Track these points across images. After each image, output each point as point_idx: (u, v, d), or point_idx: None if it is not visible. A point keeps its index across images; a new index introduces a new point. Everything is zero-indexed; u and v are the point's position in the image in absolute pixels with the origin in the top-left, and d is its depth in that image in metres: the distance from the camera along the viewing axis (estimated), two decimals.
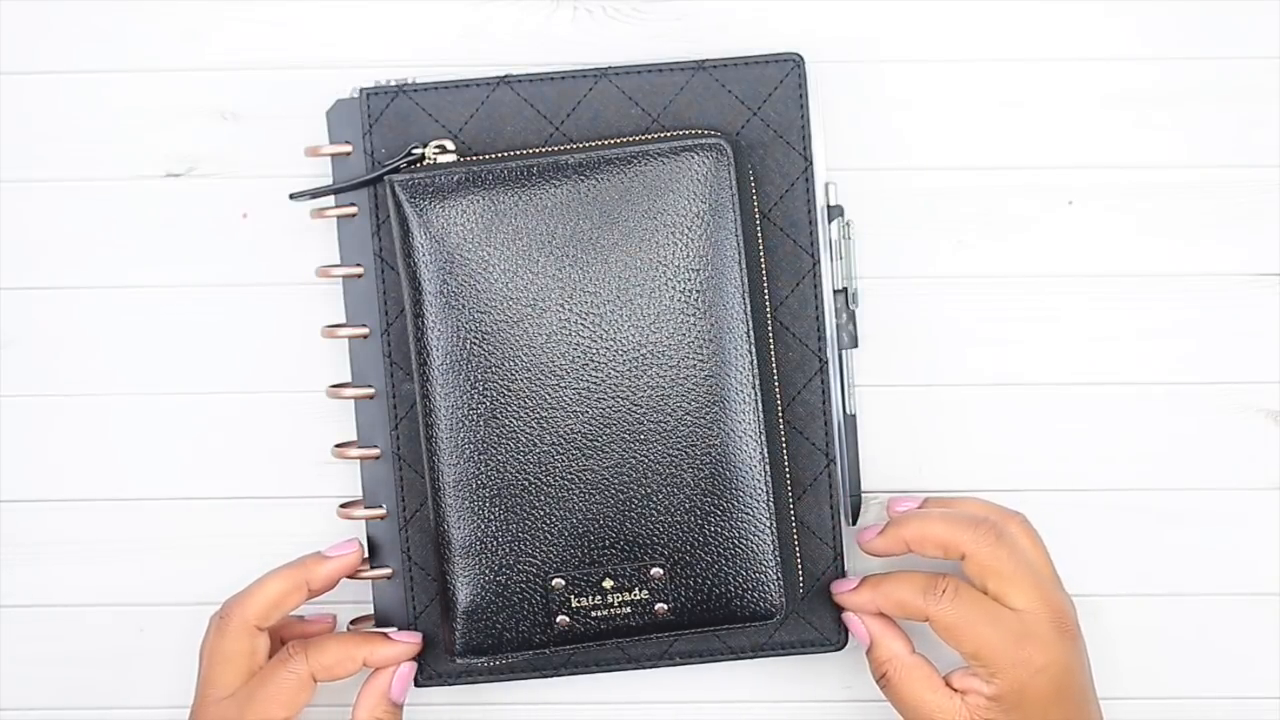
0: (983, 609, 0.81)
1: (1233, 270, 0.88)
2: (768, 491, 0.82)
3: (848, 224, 0.86)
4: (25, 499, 0.89)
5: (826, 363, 0.86)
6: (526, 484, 0.82)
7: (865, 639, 0.85)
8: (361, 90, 0.86)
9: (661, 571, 0.82)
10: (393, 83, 0.86)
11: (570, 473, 0.82)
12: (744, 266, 0.82)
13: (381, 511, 0.87)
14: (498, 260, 0.82)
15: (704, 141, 0.82)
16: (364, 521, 0.87)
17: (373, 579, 0.87)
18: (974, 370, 0.88)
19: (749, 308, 0.82)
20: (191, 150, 0.88)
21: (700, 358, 0.82)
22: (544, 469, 0.82)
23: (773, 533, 0.82)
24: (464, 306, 0.82)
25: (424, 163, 0.84)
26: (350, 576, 0.86)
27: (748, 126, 0.86)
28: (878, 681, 0.84)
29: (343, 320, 0.87)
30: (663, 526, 0.82)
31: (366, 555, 0.86)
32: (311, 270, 0.87)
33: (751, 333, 0.82)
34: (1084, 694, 0.82)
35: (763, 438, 0.82)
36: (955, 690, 0.82)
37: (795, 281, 0.86)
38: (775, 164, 0.86)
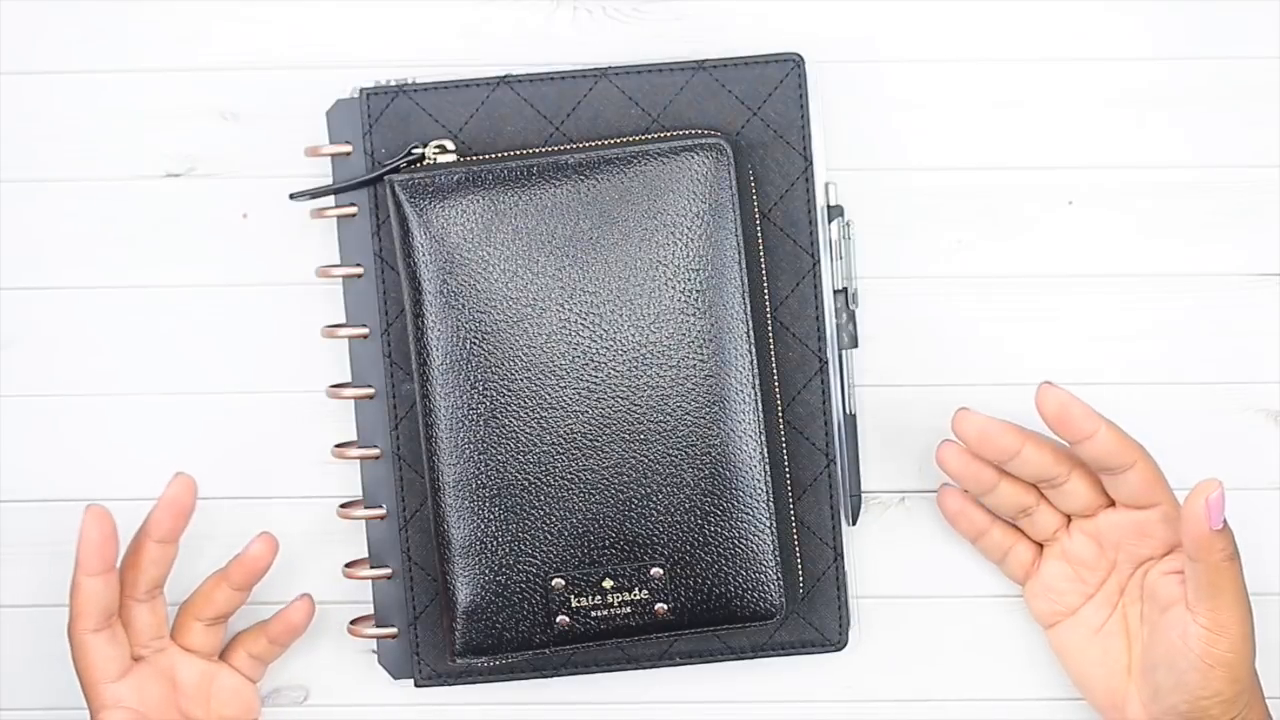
0: None
1: (1233, 270, 0.88)
2: (768, 491, 0.82)
3: (848, 224, 0.86)
4: (25, 499, 0.89)
5: (826, 363, 0.86)
6: (526, 484, 0.82)
7: (1221, 513, 0.78)
8: (361, 90, 0.86)
9: (661, 571, 0.82)
10: (393, 83, 0.86)
11: (570, 473, 0.82)
12: (744, 266, 0.82)
13: (381, 511, 0.87)
14: (498, 260, 0.82)
15: (704, 141, 0.82)
16: (364, 521, 0.87)
17: (373, 579, 0.87)
18: (974, 370, 0.88)
19: (749, 308, 0.82)
20: (191, 150, 0.88)
21: (700, 358, 0.82)
22: (544, 469, 0.82)
23: (773, 533, 0.82)
24: (464, 306, 0.82)
25: (424, 163, 0.84)
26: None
27: (748, 126, 0.86)
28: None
29: (343, 320, 0.87)
30: (663, 526, 0.82)
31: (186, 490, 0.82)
32: (311, 270, 0.87)
33: (751, 333, 0.82)
34: None
35: (763, 438, 0.82)
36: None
37: (795, 281, 0.86)
38: (775, 164, 0.86)
